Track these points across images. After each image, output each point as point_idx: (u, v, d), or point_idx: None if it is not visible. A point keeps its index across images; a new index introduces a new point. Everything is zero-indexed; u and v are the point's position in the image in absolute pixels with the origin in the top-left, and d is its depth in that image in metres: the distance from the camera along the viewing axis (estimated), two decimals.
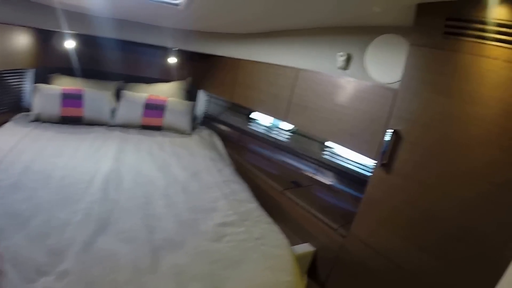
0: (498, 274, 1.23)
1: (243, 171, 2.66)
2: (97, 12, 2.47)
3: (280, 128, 3.03)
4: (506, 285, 1.17)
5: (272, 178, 2.48)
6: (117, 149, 2.45)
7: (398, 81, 1.67)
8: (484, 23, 1.31)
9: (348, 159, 2.42)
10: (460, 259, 1.36)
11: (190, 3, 1.91)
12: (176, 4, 1.98)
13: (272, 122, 3.16)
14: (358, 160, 2.36)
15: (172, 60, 3.56)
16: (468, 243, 1.34)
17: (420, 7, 1.48)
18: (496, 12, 1.30)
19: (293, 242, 1.84)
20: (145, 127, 3.16)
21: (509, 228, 1.25)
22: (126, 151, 2.47)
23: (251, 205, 2.02)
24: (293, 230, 2.06)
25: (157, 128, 3.20)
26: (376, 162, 1.66)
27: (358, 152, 2.07)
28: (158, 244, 1.45)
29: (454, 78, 1.39)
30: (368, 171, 2.27)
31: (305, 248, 1.93)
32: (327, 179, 2.53)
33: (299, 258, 1.73)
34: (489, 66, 1.31)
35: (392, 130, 1.55)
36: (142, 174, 2.14)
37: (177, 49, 3.44)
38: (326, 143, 2.58)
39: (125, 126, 3.09)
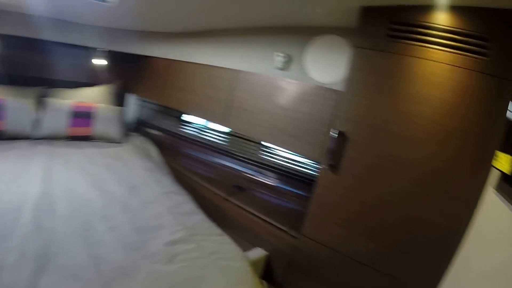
0: (447, 258, 1.38)
1: (183, 179, 2.55)
2: (12, 7, 2.14)
3: (214, 130, 2.96)
4: (461, 267, 1.31)
5: (214, 185, 2.41)
6: (45, 167, 2.16)
7: (338, 82, 1.73)
8: (427, 27, 1.41)
9: (290, 159, 2.45)
10: (405, 245, 1.49)
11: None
12: (105, 0, 1.80)
13: (204, 123, 3.08)
14: (301, 160, 2.40)
15: (101, 62, 3.26)
16: (411, 230, 1.47)
17: (365, 10, 1.53)
18: (438, 18, 1.39)
19: (244, 248, 1.82)
20: (73, 138, 2.85)
21: (451, 215, 1.39)
22: (54, 168, 2.19)
23: (198, 217, 1.95)
24: (243, 236, 2.04)
25: (86, 138, 2.92)
26: (320, 163, 1.70)
27: (301, 155, 2.13)
28: (109, 276, 1.31)
29: (398, 79, 1.47)
30: (311, 170, 2.32)
31: (258, 253, 1.93)
32: (270, 180, 2.54)
33: (253, 264, 1.72)
34: (431, 68, 1.41)
35: (337, 131, 1.60)
36: (76, 194, 1.92)
37: (105, 50, 3.17)
38: (266, 144, 2.58)
39: (51, 138, 2.75)
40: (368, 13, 1.53)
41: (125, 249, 1.51)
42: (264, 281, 1.88)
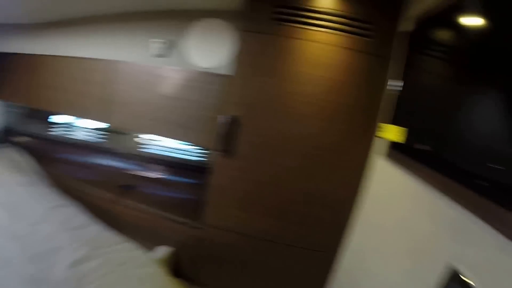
0: (343, 223, 1.65)
1: (67, 188, 2.30)
2: None
3: (88, 128, 2.71)
4: (363, 225, 1.55)
5: (100, 187, 2.27)
6: None
7: (222, 66, 1.76)
8: (312, 11, 1.54)
9: (177, 149, 2.42)
10: (303, 217, 1.72)
11: None
12: None
13: (74, 121, 2.79)
14: (189, 148, 2.39)
15: None
16: (307, 202, 1.70)
17: None
18: (323, 2, 1.53)
19: (149, 250, 1.82)
20: None
21: (342, 184, 1.64)
22: None
23: (95, 228, 1.86)
24: (144, 238, 2.00)
25: None
26: (212, 149, 1.74)
27: (193, 143, 2.13)
28: None
29: (286, 61, 1.59)
30: (201, 157, 2.34)
31: (164, 251, 1.95)
32: (159, 174, 2.49)
33: (162, 264, 1.75)
34: (317, 50, 1.56)
35: (228, 116, 1.66)
36: None
37: None
38: (146, 136, 2.48)
39: None
40: None
41: (25, 286, 1.39)
42: (179, 279, 1.92)
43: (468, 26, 1.07)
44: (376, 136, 1.53)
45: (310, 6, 1.57)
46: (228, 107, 1.69)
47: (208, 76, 1.89)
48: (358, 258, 1.54)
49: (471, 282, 0.79)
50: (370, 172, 1.63)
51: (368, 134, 1.61)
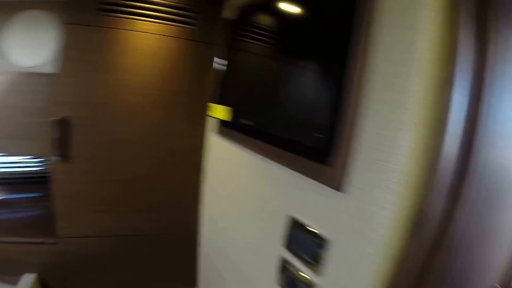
0: (194, 205, 1.78)
1: None
2: None
3: None
4: (211, 196, 1.70)
5: None
6: None
7: (47, 64, 1.59)
8: (137, 1, 1.52)
9: (10, 162, 2.08)
10: (159, 204, 1.80)
11: None
12: None
13: None
14: (23, 159, 2.08)
15: None
16: (159, 189, 1.77)
17: None
18: None
19: (13, 282, 1.62)
20: None
21: (186, 163, 1.74)
22: None
23: None
24: (1, 272, 1.74)
25: None
26: (48, 157, 1.61)
27: (27, 155, 1.92)
28: None
29: (113, 54, 1.55)
30: (40, 167, 2.08)
31: (27, 280, 1.71)
32: None
33: None
34: (145, 40, 1.57)
35: (58, 118, 1.54)
36: None
37: None
38: None
39: None
40: None
41: None
42: None
43: (281, 12, 1.24)
44: (208, 115, 1.65)
45: None
46: (58, 108, 1.56)
47: (32, 77, 1.67)
48: (217, 228, 1.69)
49: (305, 222, 1.01)
50: (208, 149, 1.78)
51: (202, 115, 1.74)
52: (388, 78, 0.76)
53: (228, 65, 1.55)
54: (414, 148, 0.72)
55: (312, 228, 0.97)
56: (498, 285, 1.29)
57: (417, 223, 0.76)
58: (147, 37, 1.61)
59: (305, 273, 0.99)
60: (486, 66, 0.79)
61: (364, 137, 0.82)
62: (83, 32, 1.53)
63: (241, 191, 1.45)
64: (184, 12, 1.64)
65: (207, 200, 1.81)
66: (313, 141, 0.93)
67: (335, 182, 0.87)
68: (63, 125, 1.57)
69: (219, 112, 1.50)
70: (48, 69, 1.66)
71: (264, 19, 1.35)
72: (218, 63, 1.60)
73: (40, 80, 1.67)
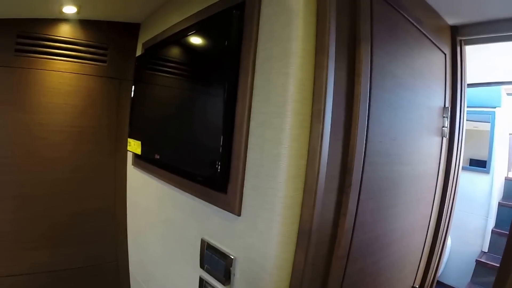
0: (114, 224, 1.80)
1: None
2: None
3: None
4: (134, 218, 1.72)
5: None
6: None
7: None
8: (52, 40, 1.57)
9: None
10: (82, 234, 1.81)
11: None
12: None
13: None
14: None
15: None
16: (80, 220, 1.80)
17: None
18: (62, 31, 1.58)
19: None
20: None
21: (104, 195, 1.80)
22: None
23: None
24: None
25: None
26: None
27: None
28: None
29: (29, 93, 1.59)
30: None
31: None
32: None
33: None
34: (59, 78, 1.62)
35: None
36: None
37: None
38: None
39: None
40: None
41: None
42: None
43: (181, 45, 1.35)
44: (128, 150, 1.70)
45: (51, 35, 1.59)
46: None
47: None
48: (144, 255, 1.72)
49: (214, 244, 1.11)
50: (127, 180, 1.84)
51: (119, 148, 1.81)
52: (267, 117, 0.90)
53: (135, 99, 1.63)
54: (291, 176, 0.86)
55: (220, 248, 1.08)
56: (417, 286, 1.49)
57: (301, 237, 0.90)
58: (61, 76, 1.66)
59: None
60: (357, 96, 0.97)
61: (251, 168, 0.95)
62: (1, 73, 1.55)
63: (158, 219, 1.53)
64: (96, 50, 1.72)
65: (132, 228, 1.85)
66: (210, 171, 1.04)
67: (232, 207, 0.99)
68: None
69: (133, 146, 1.57)
70: None
71: (166, 53, 1.45)
72: (130, 97, 1.67)
73: None
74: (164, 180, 1.40)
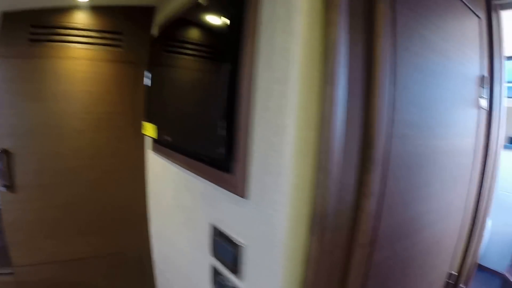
0: (143, 223, 1.74)
1: None
2: None
3: None
4: (155, 205, 1.66)
5: None
6: None
7: None
8: (67, 28, 1.50)
9: None
10: (113, 224, 1.76)
11: None
12: None
13: None
14: None
15: None
16: (106, 211, 1.74)
17: (5, 16, 1.42)
18: (77, 18, 1.51)
19: None
20: None
21: (128, 187, 1.72)
22: None
23: None
24: None
25: None
26: None
27: None
28: None
29: (45, 82, 1.52)
30: None
31: None
32: None
33: None
34: (75, 66, 1.54)
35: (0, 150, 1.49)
36: None
37: None
38: None
39: None
40: (8, 19, 1.44)
41: None
42: None
43: (183, 30, 1.24)
44: (143, 133, 1.60)
45: (66, 23, 1.52)
46: None
47: None
48: (165, 242, 1.64)
49: (224, 230, 0.98)
50: (147, 166, 1.73)
51: (138, 133, 1.68)
52: (270, 84, 0.74)
53: (151, 83, 1.51)
54: (299, 151, 0.69)
55: (228, 235, 0.95)
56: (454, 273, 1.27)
57: (315, 222, 0.73)
58: (77, 63, 1.58)
59: (231, 279, 0.96)
60: (378, 58, 0.78)
61: (257, 144, 0.80)
62: (16, 64, 1.50)
63: (173, 204, 1.42)
64: (111, 35, 1.62)
65: (153, 215, 1.76)
66: (215, 150, 0.90)
67: (238, 188, 0.85)
68: (4, 156, 1.52)
69: (149, 129, 1.47)
70: None
71: (177, 32, 1.32)
72: (146, 81, 1.56)
73: None
74: (178, 164, 1.29)
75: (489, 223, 2.50)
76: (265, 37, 0.77)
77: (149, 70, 1.50)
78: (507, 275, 2.56)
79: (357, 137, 0.75)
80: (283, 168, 0.71)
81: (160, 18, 1.58)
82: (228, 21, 0.88)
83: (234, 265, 0.91)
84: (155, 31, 1.61)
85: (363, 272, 0.86)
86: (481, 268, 2.84)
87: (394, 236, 0.95)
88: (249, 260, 0.87)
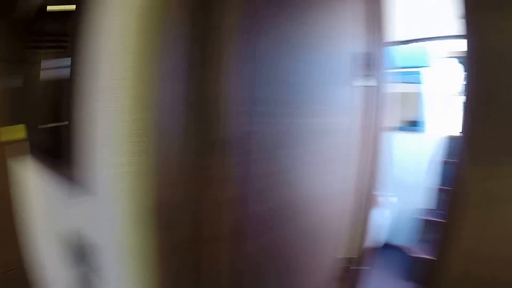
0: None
1: None
2: None
3: None
4: None
5: None
6: None
7: None
8: None
9: None
10: None
11: None
12: None
13: None
14: None
15: None
16: None
17: None
18: None
19: None
20: None
21: None
22: None
23: None
24: None
25: None
26: None
27: None
28: None
29: None
30: None
31: None
32: None
33: None
34: None
35: None
36: None
37: None
38: None
39: None
40: None
41: None
42: None
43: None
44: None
45: None
46: None
47: None
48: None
49: (74, 231, 0.86)
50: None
51: None
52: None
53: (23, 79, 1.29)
54: (123, 135, 0.59)
55: (79, 235, 0.83)
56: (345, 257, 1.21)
57: (153, 216, 0.61)
58: None
59: (96, 282, 0.83)
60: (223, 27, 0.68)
61: (95, 136, 0.70)
62: None
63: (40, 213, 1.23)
64: None
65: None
66: (54, 145, 0.76)
67: (78, 182, 0.76)
68: None
69: (13, 132, 1.27)
70: None
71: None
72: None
73: None
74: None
75: (395, 200, 2.64)
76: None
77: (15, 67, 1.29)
78: (415, 249, 2.72)
79: (194, 118, 0.65)
80: (110, 156, 0.60)
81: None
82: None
83: (96, 268, 0.78)
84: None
85: (230, 267, 0.77)
86: (392, 247, 2.99)
87: (268, 223, 0.87)
88: (105, 261, 0.76)
